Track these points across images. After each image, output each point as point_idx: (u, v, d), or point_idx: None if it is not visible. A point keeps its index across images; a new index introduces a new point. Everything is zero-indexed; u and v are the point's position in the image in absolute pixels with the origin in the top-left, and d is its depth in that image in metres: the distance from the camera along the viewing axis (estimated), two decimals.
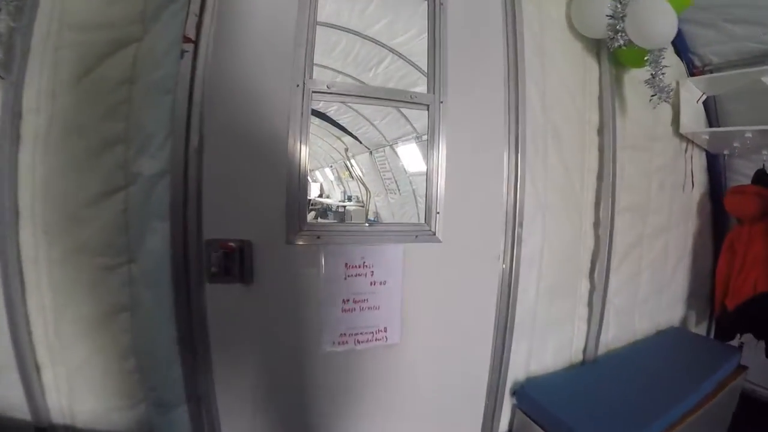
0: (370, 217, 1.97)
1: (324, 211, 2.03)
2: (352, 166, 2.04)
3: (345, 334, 1.61)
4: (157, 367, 1.56)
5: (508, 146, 1.87)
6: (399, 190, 2.06)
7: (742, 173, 3.13)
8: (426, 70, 1.76)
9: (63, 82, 1.45)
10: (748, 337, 2.85)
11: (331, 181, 2.01)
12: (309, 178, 1.54)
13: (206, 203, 1.44)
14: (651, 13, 2.00)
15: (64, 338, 1.51)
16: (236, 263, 1.44)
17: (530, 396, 1.99)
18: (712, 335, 3.34)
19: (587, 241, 2.34)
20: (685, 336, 3.01)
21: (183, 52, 1.42)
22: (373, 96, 1.72)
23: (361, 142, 2.01)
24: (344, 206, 1.95)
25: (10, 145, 1.41)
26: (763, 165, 2.82)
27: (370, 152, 2.05)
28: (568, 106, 2.21)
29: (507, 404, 2.05)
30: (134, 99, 1.52)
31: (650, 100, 2.19)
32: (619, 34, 2.07)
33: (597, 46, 2.34)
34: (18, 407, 1.49)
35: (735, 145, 2.89)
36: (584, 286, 2.36)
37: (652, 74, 2.15)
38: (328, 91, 1.59)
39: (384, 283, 1.65)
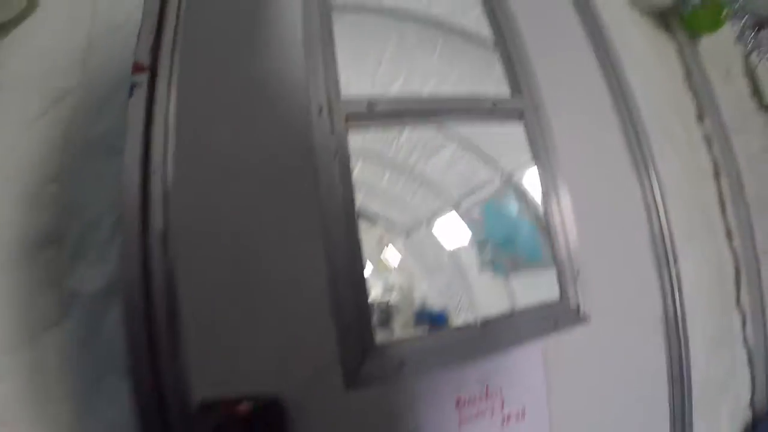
0: (417, 306, 1.49)
1: (386, 317, 1.52)
2: (387, 254, 1.60)
3: None
4: None
5: (633, 157, 1.34)
6: (443, 270, 1.68)
7: None
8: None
9: None
10: None
11: (369, 275, 1.50)
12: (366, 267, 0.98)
13: (190, 336, 0.79)
14: None
15: None
16: None
17: None
18: None
19: (725, 259, 1.79)
20: None
21: (132, 88, 0.87)
22: (441, 109, 1.18)
23: (395, 226, 1.62)
24: (387, 301, 1.43)
25: None
26: None
27: (407, 234, 1.66)
28: (660, 95, 1.73)
29: None
30: (65, 171, 0.97)
31: (749, 59, 1.76)
32: None
33: (664, 20, 1.92)
34: None
35: None
36: (735, 320, 1.79)
37: (741, 28, 1.80)
38: (371, 112, 1.04)
39: (521, 416, 1.02)
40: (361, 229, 1.02)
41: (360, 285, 0.92)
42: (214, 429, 0.73)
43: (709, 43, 2.08)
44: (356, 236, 0.94)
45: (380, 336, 0.94)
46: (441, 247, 1.73)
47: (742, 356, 1.78)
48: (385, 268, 1.60)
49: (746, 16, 2.05)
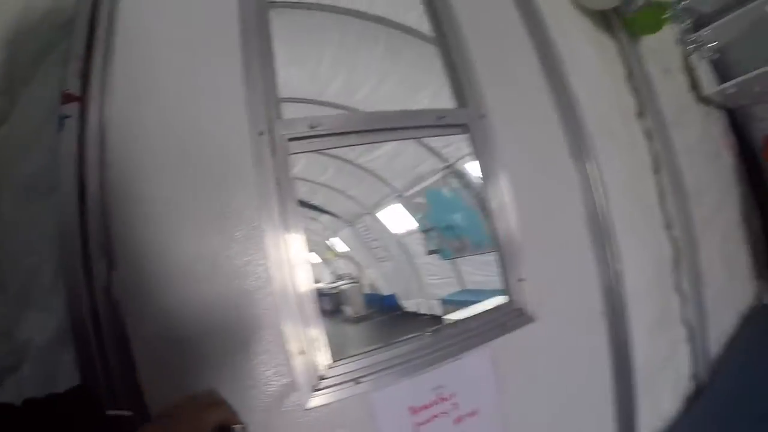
0: (366, 291, 1.66)
1: (337, 304, 1.59)
2: (334, 244, 1.75)
3: None
4: None
5: (574, 159, 1.44)
6: (390, 256, 1.84)
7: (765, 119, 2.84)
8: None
9: None
10: None
11: (318, 264, 1.57)
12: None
13: (146, 377, 0.82)
14: None
15: None
16: None
17: None
18: None
19: (663, 247, 1.90)
20: None
21: (62, 120, 0.84)
22: (384, 127, 1.18)
23: (339, 217, 1.75)
24: (337, 287, 1.59)
25: None
26: None
27: (351, 225, 1.80)
28: (604, 94, 1.81)
29: None
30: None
31: (688, 57, 1.88)
32: None
33: (606, 21, 2.00)
34: None
35: (756, 89, 2.60)
36: (674, 301, 1.91)
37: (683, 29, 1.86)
38: (313, 132, 1.06)
39: (474, 415, 1.10)
40: (306, 222, 1.07)
41: (311, 314, 0.95)
42: None
43: (649, 42, 2.17)
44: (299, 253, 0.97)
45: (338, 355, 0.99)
46: (388, 235, 1.82)
47: (682, 334, 1.92)
48: (334, 257, 1.66)
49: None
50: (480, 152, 1.24)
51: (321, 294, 1.38)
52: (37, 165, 0.91)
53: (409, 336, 1.11)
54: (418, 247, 1.69)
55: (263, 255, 0.94)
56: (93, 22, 0.92)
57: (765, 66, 2.44)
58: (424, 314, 1.60)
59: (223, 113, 1.00)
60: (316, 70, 1.61)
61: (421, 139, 1.44)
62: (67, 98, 0.85)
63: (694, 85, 2.58)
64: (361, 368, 0.98)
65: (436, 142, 1.56)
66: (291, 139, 1.04)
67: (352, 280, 1.70)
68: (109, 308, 0.78)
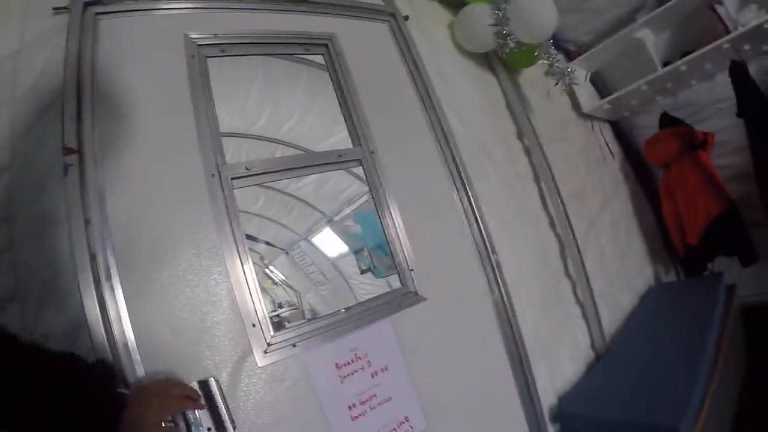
0: (307, 316, 1.74)
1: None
2: (272, 272, 1.82)
3: None
4: None
5: (452, 179, 1.83)
6: (327, 279, 1.92)
7: (645, 126, 3.39)
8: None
9: None
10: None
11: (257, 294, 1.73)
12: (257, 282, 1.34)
13: (143, 348, 1.13)
14: (531, 7, 2.12)
15: None
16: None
17: (573, 414, 1.85)
18: (683, 277, 3.48)
19: (550, 242, 2.33)
20: (667, 289, 3.09)
21: (66, 168, 1.16)
22: (296, 166, 1.57)
23: (274, 246, 1.83)
24: (278, 315, 1.68)
25: None
26: (662, 109, 3.07)
27: (287, 252, 1.87)
28: (484, 122, 2.25)
29: None
30: (18, 242, 1.19)
31: (555, 86, 2.30)
32: (508, 37, 2.16)
33: (487, 59, 2.46)
34: None
35: (633, 103, 3.13)
36: (565, 285, 2.32)
37: (549, 64, 2.26)
38: (249, 173, 1.42)
39: (386, 369, 1.46)
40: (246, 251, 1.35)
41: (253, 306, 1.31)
42: None
43: (529, 73, 2.64)
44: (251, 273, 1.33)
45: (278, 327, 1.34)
46: (323, 259, 1.96)
47: (576, 312, 2.32)
48: (272, 286, 1.81)
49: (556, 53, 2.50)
50: (371, 180, 1.63)
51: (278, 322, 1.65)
52: (47, 201, 1.19)
53: (330, 312, 1.46)
54: (352, 268, 1.80)
55: (221, 260, 1.29)
56: (79, 88, 1.24)
57: (635, 83, 2.97)
58: None
59: (183, 160, 1.34)
60: (244, 106, 1.79)
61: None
62: (68, 151, 1.18)
63: (575, 105, 3.09)
64: (296, 336, 1.33)
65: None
66: (233, 178, 1.39)
67: (291, 307, 1.83)
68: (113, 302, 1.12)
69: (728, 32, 2.65)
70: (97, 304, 1.09)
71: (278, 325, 1.38)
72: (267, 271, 1.87)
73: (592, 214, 2.76)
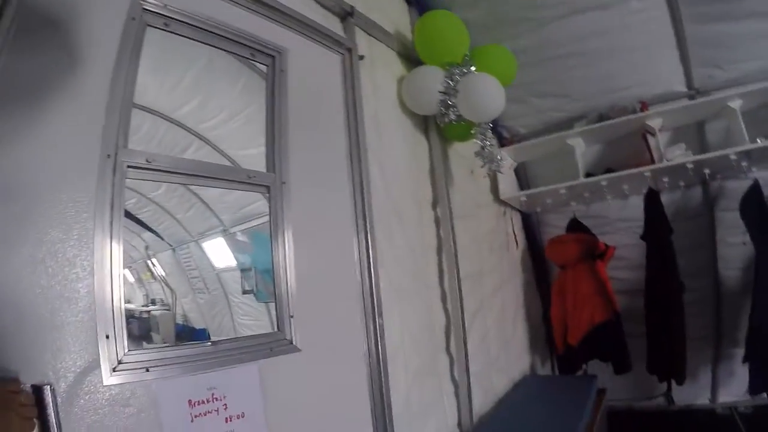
0: (179, 321, 1.62)
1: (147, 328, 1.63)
2: (154, 265, 1.69)
3: None
4: None
5: (356, 229, 1.81)
6: (208, 289, 1.79)
7: (553, 225, 3.62)
8: (264, 151, 1.62)
9: None
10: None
11: (132, 283, 1.62)
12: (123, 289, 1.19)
13: None
14: (483, 89, 2.21)
15: None
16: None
17: None
18: (557, 372, 3.65)
19: (438, 315, 2.35)
20: (540, 381, 3.24)
21: None
22: (202, 175, 1.46)
23: (163, 239, 1.70)
24: (148, 311, 1.55)
25: None
26: (574, 214, 3.28)
27: (173, 249, 1.74)
28: (404, 183, 2.27)
29: None
30: None
31: (482, 168, 2.37)
32: (451, 109, 2.23)
33: (425, 123, 2.51)
34: None
35: (548, 201, 3.34)
36: (443, 361, 2.34)
37: (481, 146, 2.32)
38: (148, 166, 1.29)
39: (242, 417, 1.34)
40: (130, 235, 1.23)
41: (119, 304, 1.16)
42: None
43: (460, 147, 2.74)
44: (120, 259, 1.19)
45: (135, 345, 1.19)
46: (208, 267, 1.82)
47: (449, 389, 2.34)
48: (150, 279, 1.72)
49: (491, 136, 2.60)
50: (274, 209, 1.57)
51: (131, 316, 1.50)
52: None
53: (194, 342, 1.35)
54: (235, 284, 1.71)
55: (90, 253, 1.12)
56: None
57: (556, 184, 3.17)
58: None
59: (82, 128, 1.17)
60: (176, 86, 1.66)
61: None
62: None
63: (494, 188, 3.24)
64: (152, 360, 1.18)
65: None
66: (129, 167, 1.25)
67: (164, 307, 1.76)
68: None
69: (653, 162, 2.91)
70: None
71: (137, 340, 1.25)
72: (149, 262, 1.72)
73: (485, 295, 2.85)
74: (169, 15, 1.43)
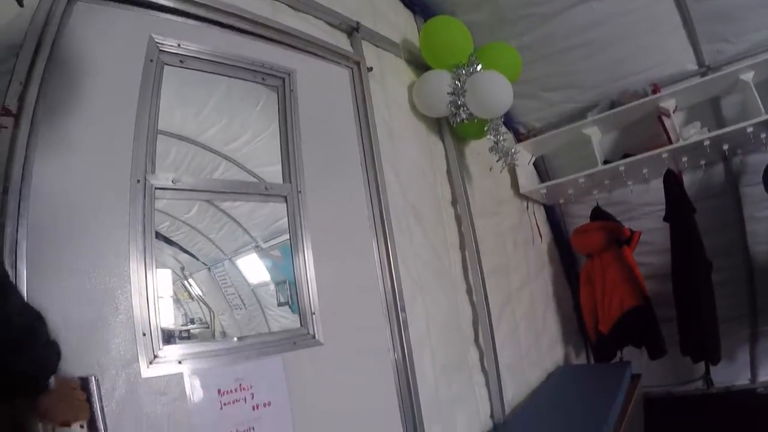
0: (218, 337, 1.76)
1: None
2: (190, 285, 1.84)
3: None
4: None
5: (375, 232, 1.90)
6: (244, 304, 1.93)
7: (578, 216, 3.62)
8: (281, 164, 1.72)
9: None
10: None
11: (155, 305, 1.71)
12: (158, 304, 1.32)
13: None
14: (490, 85, 2.29)
15: None
16: None
17: None
18: (592, 361, 3.64)
19: (465, 310, 2.42)
20: (574, 370, 3.23)
21: None
22: (223, 190, 1.61)
23: (198, 259, 1.84)
24: (188, 330, 1.69)
25: None
26: (596, 203, 3.28)
27: (209, 268, 1.89)
28: (421, 184, 2.36)
29: None
30: None
31: (498, 162, 2.43)
32: (461, 108, 2.31)
33: (438, 125, 2.60)
34: None
35: (570, 192, 3.35)
36: (473, 353, 2.40)
37: (495, 141, 2.38)
38: (174, 187, 1.42)
39: (268, 405, 1.45)
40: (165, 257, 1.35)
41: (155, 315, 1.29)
42: None
43: (476, 145, 2.81)
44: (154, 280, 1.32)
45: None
46: (243, 283, 1.95)
47: (480, 380, 2.39)
48: (188, 299, 1.81)
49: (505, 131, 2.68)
50: (292, 218, 1.68)
51: (170, 336, 1.63)
52: None
53: (222, 338, 1.47)
54: (271, 298, 1.79)
55: (128, 265, 1.26)
56: (36, 53, 1.20)
57: (575, 174, 3.19)
58: None
59: (113, 159, 1.32)
60: (200, 112, 1.80)
61: None
62: (6, 112, 1.13)
63: (514, 183, 3.28)
64: (184, 353, 1.32)
65: None
66: (157, 188, 1.40)
67: (203, 325, 1.80)
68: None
69: (671, 143, 2.89)
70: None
71: (169, 337, 1.36)
72: (186, 283, 1.87)
73: (512, 289, 2.89)
74: (183, 53, 1.58)
